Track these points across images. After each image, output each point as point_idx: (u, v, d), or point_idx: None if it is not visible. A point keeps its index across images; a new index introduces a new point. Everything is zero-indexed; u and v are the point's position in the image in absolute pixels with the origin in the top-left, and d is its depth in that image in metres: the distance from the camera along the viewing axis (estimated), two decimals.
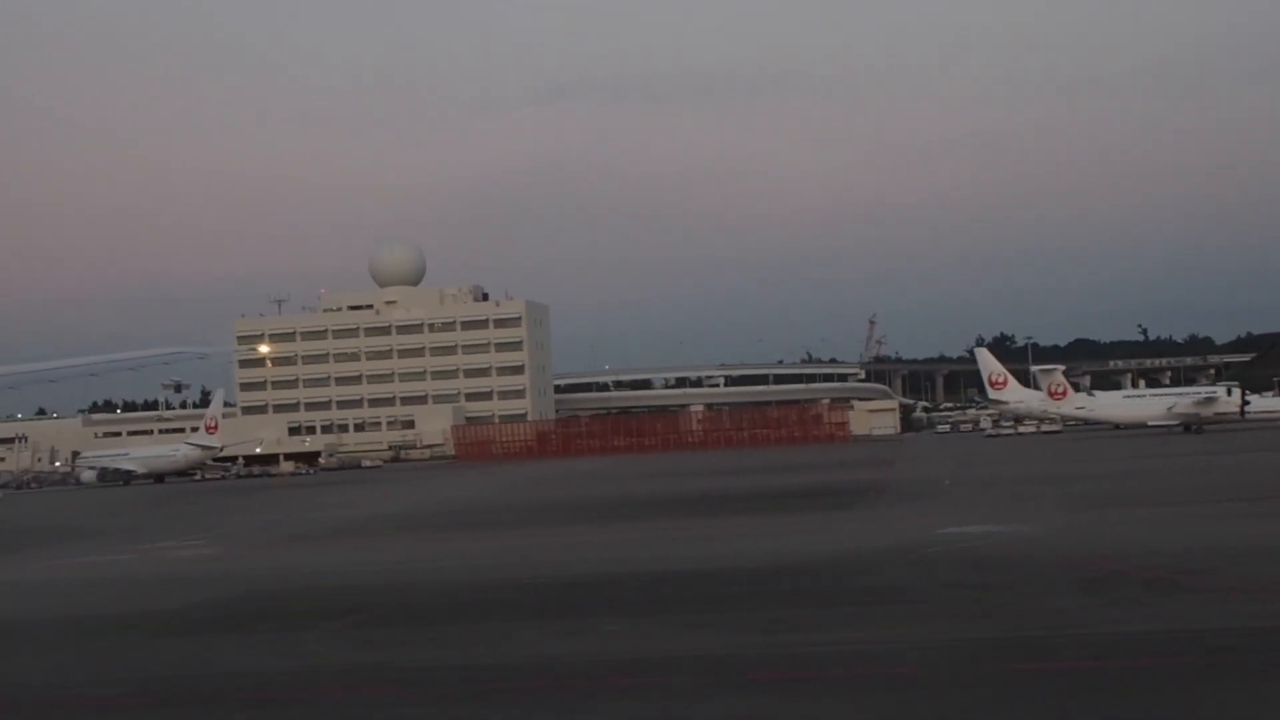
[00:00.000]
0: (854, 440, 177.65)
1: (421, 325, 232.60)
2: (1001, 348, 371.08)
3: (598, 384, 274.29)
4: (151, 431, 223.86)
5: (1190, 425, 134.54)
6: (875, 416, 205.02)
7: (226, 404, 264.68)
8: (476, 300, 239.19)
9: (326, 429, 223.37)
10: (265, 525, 66.89)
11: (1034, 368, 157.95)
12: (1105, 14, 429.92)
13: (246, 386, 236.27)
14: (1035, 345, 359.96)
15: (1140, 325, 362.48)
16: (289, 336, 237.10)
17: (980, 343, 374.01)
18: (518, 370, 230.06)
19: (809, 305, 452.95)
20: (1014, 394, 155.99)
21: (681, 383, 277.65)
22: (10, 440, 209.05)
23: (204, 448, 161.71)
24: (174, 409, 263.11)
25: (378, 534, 56.96)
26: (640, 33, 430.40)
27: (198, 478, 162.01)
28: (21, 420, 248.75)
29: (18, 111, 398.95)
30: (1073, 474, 71.95)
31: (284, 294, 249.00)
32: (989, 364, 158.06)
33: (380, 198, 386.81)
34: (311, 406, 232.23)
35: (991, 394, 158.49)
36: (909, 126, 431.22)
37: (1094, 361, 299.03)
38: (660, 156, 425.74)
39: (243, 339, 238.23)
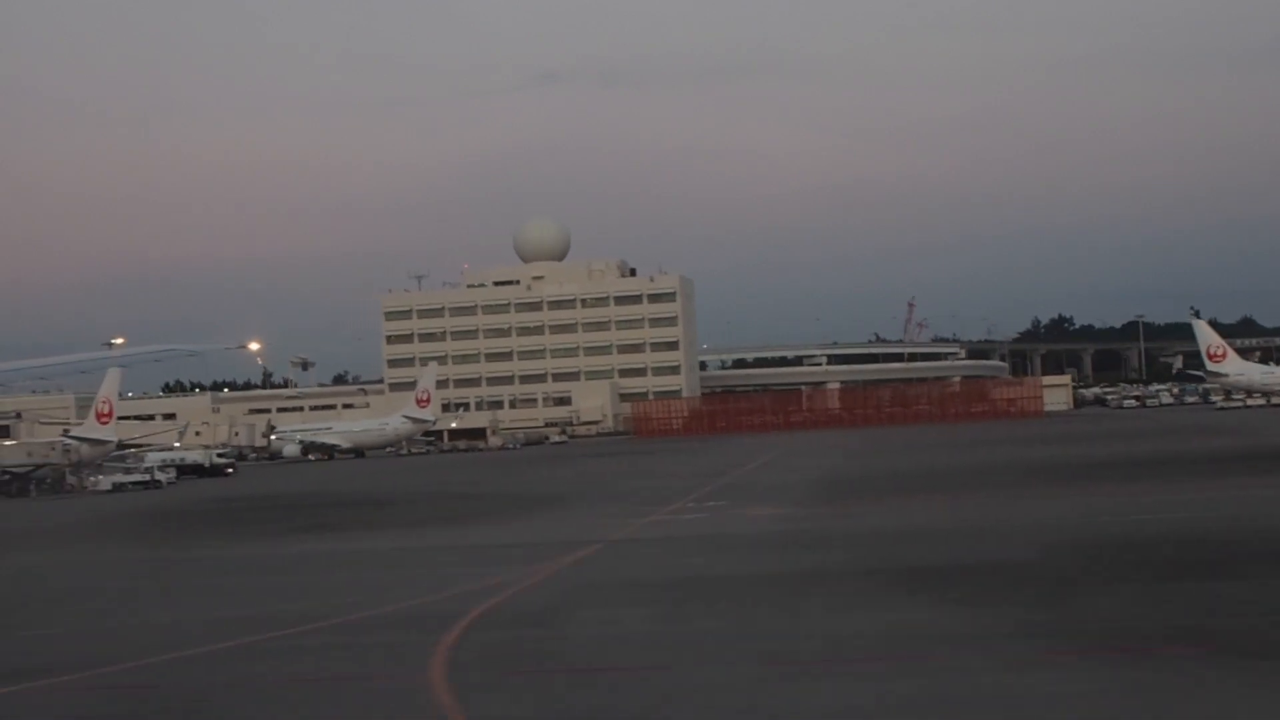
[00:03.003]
0: (1047, 416, 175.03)
1: (574, 301, 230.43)
2: (1060, 329, 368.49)
3: (714, 361, 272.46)
4: (302, 408, 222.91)
5: None
6: (1048, 393, 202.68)
7: (367, 382, 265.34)
8: (623, 275, 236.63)
9: (478, 406, 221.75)
10: (712, 492, 64.90)
11: None
12: None
13: (394, 363, 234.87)
14: (1092, 327, 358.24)
15: (1193, 308, 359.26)
16: (437, 312, 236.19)
17: (1037, 325, 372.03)
18: (672, 346, 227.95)
19: (839, 291, 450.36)
20: (1234, 366, 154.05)
21: (798, 360, 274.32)
22: (144, 418, 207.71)
23: (418, 420, 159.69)
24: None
25: (894, 494, 54.79)
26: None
27: (404, 453, 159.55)
28: (158, 397, 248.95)
29: (148, 99, 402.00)
30: None
31: (424, 270, 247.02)
32: (1208, 336, 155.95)
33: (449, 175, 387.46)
34: (461, 383, 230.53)
35: (1210, 366, 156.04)
36: (930, 106, 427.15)
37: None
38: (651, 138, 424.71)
39: (390, 315, 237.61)
